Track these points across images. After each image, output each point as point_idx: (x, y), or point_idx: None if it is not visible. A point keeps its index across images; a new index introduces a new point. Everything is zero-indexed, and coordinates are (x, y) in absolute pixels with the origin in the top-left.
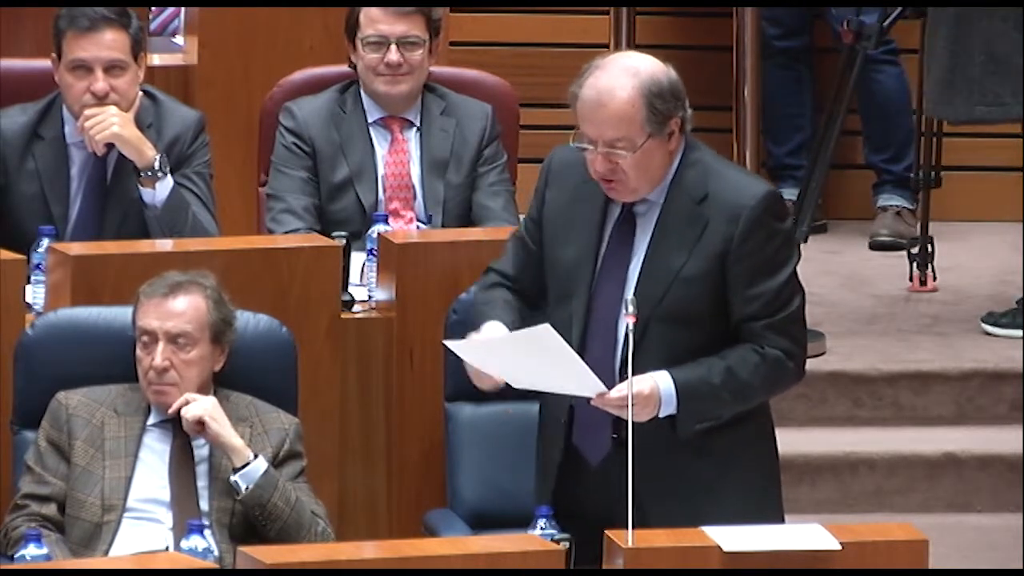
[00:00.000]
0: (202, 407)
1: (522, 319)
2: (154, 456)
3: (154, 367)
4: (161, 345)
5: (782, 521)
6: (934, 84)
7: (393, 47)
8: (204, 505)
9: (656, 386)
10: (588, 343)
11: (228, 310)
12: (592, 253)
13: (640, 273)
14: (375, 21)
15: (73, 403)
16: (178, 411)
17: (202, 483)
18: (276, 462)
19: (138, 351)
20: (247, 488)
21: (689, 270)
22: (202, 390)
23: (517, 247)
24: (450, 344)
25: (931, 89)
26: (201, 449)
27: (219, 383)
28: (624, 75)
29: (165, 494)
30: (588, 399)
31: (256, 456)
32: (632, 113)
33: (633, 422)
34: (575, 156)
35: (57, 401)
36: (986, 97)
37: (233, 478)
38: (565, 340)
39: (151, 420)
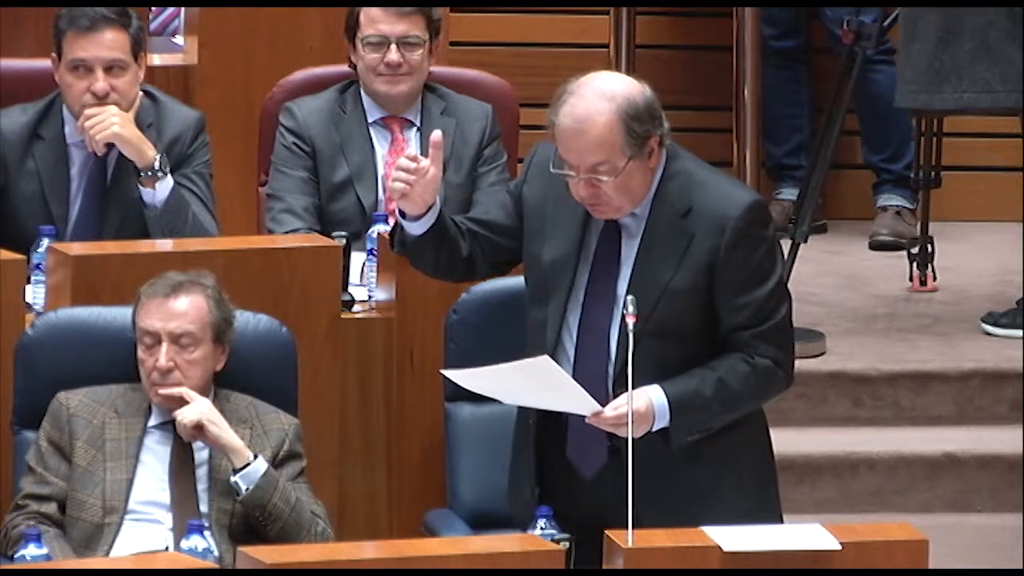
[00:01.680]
0: (198, 411)
1: (454, 230)
2: (154, 458)
3: (158, 368)
4: (164, 346)
5: (780, 524)
6: (918, 72)
7: (393, 47)
8: (204, 507)
9: (651, 402)
10: (579, 356)
11: (228, 309)
12: (573, 258)
13: (629, 287)
14: (375, 21)
15: (74, 403)
16: (177, 405)
17: (202, 485)
18: (276, 462)
19: (140, 352)
20: (247, 489)
21: (677, 283)
22: (203, 390)
23: (502, 199)
24: (448, 373)
25: (914, 77)
26: (201, 451)
27: (219, 383)
28: (600, 100)
29: (165, 496)
30: (582, 417)
31: (256, 457)
32: (611, 138)
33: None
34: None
35: (58, 401)
36: (976, 84)
37: (233, 479)
38: (538, 342)
39: (152, 422)
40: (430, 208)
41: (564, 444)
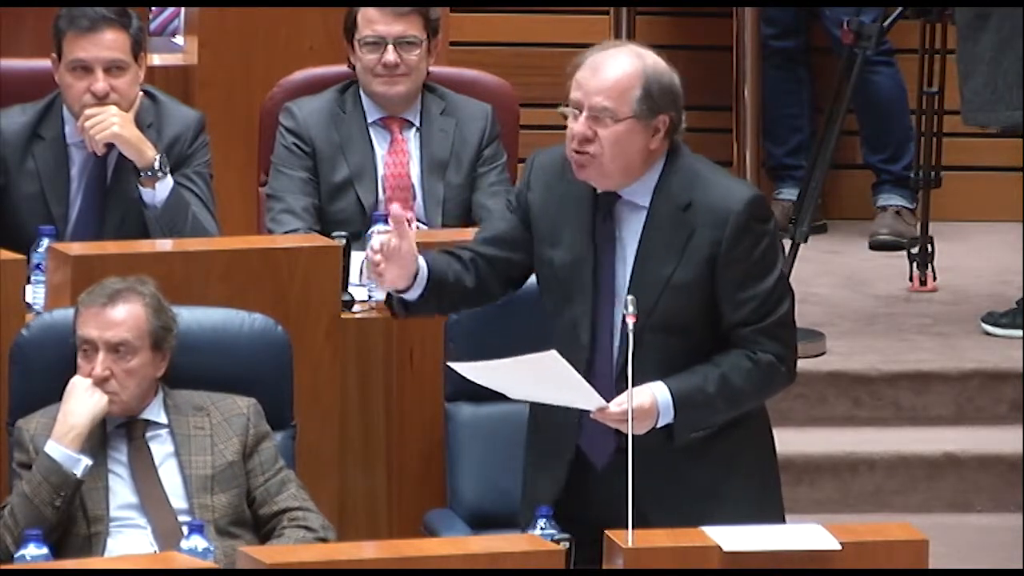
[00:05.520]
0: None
1: (452, 271)
2: (120, 463)
3: (94, 377)
4: (101, 355)
5: (783, 522)
6: (976, 90)
7: (390, 47)
8: (183, 503)
9: (655, 398)
10: (593, 351)
11: (167, 316)
12: (589, 256)
13: (630, 282)
14: (372, 22)
15: (32, 426)
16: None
17: (176, 481)
18: (247, 450)
19: (79, 359)
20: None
21: (679, 278)
22: (143, 397)
23: (502, 214)
24: (455, 366)
25: (972, 96)
26: (161, 446)
27: (215, 384)
28: (630, 54)
29: (137, 500)
30: (588, 412)
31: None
32: (626, 86)
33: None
34: (557, 158)
35: (18, 428)
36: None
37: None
38: (573, 343)
39: (109, 427)
40: (418, 274)
41: (578, 438)
